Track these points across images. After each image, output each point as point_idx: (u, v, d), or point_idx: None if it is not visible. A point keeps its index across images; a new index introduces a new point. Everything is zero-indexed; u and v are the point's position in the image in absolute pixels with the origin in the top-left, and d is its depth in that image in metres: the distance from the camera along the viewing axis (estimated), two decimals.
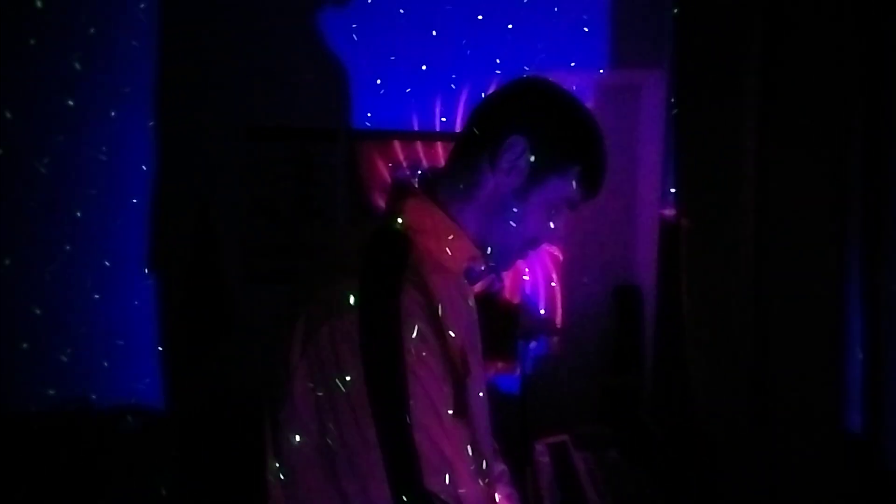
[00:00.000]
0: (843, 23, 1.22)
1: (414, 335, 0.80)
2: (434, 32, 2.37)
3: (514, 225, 0.96)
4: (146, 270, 2.39)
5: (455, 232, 0.95)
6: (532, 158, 0.94)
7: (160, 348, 2.40)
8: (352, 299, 0.81)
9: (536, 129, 0.95)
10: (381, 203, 2.35)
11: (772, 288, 1.39)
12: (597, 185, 0.99)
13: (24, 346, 2.34)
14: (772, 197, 1.40)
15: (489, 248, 0.98)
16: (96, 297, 2.37)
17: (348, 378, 0.79)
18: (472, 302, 1.03)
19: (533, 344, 2.53)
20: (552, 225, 0.98)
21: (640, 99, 2.55)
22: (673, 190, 1.80)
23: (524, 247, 1.00)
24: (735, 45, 1.58)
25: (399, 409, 0.79)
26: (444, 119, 2.43)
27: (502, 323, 2.45)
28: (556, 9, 2.36)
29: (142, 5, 2.32)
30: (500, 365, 2.43)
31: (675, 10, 1.99)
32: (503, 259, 1.01)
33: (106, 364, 2.38)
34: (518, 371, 2.41)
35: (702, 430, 1.60)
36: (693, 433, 1.61)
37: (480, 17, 2.37)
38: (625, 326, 2.42)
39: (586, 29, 2.37)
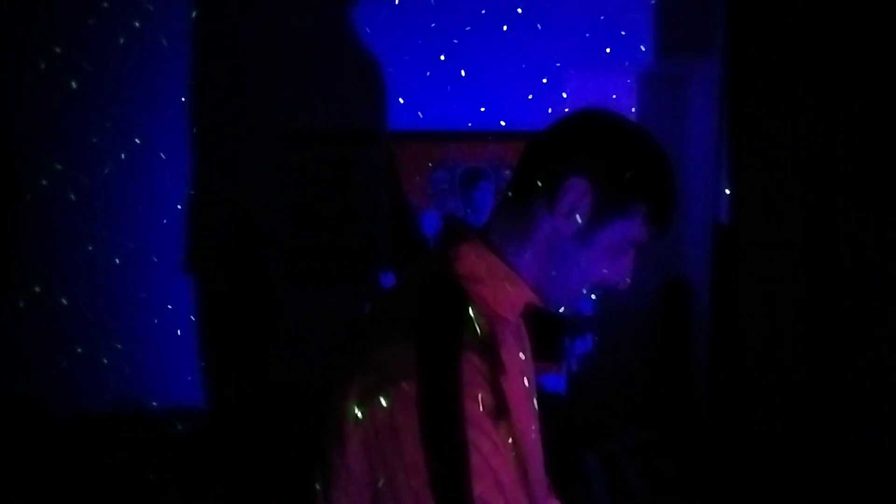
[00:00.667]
0: None
1: (476, 406, 0.76)
2: (469, 29, 2.32)
3: (574, 271, 0.89)
4: (191, 275, 2.41)
5: (511, 278, 0.90)
6: (594, 200, 0.87)
7: (207, 351, 2.43)
8: (409, 366, 0.76)
9: (598, 169, 0.87)
10: (421, 203, 2.36)
11: (839, 295, 1.33)
12: (667, 223, 0.91)
13: (77, 350, 2.40)
14: (838, 200, 1.33)
15: (548, 294, 0.92)
16: (143, 299, 2.41)
17: (406, 451, 0.75)
18: (528, 347, 0.99)
19: (579, 341, 2.49)
20: (618, 266, 0.91)
21: (687, 89, 2.46)
22: (728, 192, 1.73)
23: (588, 290, 0.93)
24: (795, 34, 1.50)
25: (461, 486, 0.75)
26: (482, 109, 2.39)
27: (547, 320, 2.41)
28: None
29: (180, 10, 2.32)
30: (545, 364, 2.40)
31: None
32: (563, 303, 0.94)
33: (153, 368, 2.42)
34: (564, 370, 2.38)
35: (758, 439, 1.54)
36: (749, 442, 1.55)
37: (520, 10, 2.32)
38: (674, 324, 2.35)
39: (630, 17, 2.30)
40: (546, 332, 2.67)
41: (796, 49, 1.50)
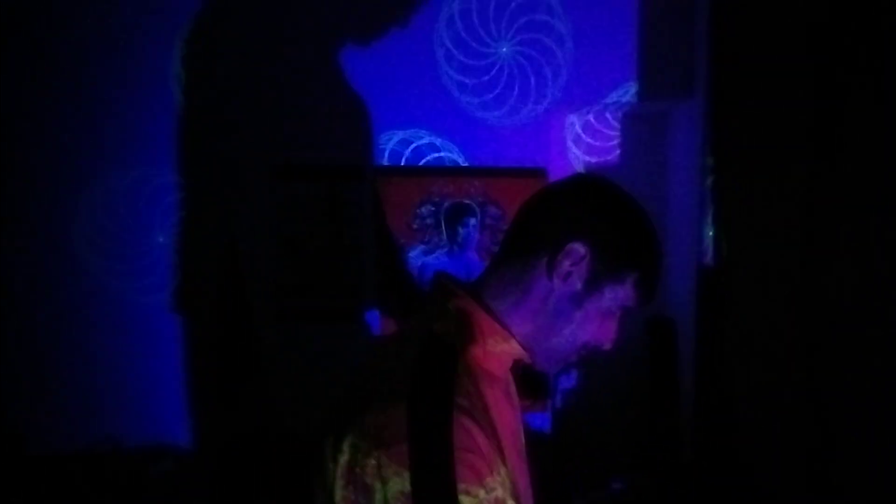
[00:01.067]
0: None
1: (466, 470, 0.77)
2: (456, 67, 2.36)
3: (566, 331, 0.93)
4: (175, 311, 2.39)
5: (503, 336, 0.92)
6: (591, 265, 0.91)
7: (190, 388, 2.40)
8: (400, 430, 0.77)
9: (597, 235, 0.91)
10: (407, 239, 2.36)
11: (825, 335, 1.34)
12: (654, 290, 0.95)
13: (54, 387, 2.36)
14: (821, 239, 1.35)
15: (538, 352, 0.95)
16: (125, 334, 2.38)
17: None
18: (516, 402, 1.00)
19: (563, 378, 2.49)
20: (605, 328, 0.94)
21: (671, 127, 2.51)
22: (710, 232, 1.75)
23: (574, 352, 0.96)
24: (779, 74, 1.52)
25: None
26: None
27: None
28: (581, 38, 2.34)
29: (167, 45, 2.33)
30: (530, 401, 2.39)
31: (711, 33, 1.91)
32: (553, 363, 0.97)
33: (136, 405, 2.38)
34: (549, 407, 2.37)
35: (747, 480, 1.54)
36: (737, 483, 1.56)
37: (505, 49, 2.36)
38: (659, 364, 2.36)
39: (613, 57, 2.34)
40: (531, 370, 2.68)
41: (779, 88, 1.53)
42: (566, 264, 0.91)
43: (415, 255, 2.41)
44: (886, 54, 1.21)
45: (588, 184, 1.01)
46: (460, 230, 2.41)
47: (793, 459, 1.45)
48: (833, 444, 1.38)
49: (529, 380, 2.39)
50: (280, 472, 2.17)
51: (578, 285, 0.91)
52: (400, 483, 0.75)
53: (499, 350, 0.92)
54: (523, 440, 1.01)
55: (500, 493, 0.80)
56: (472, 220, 2.41)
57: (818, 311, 1.40)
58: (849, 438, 1.34)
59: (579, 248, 0.90)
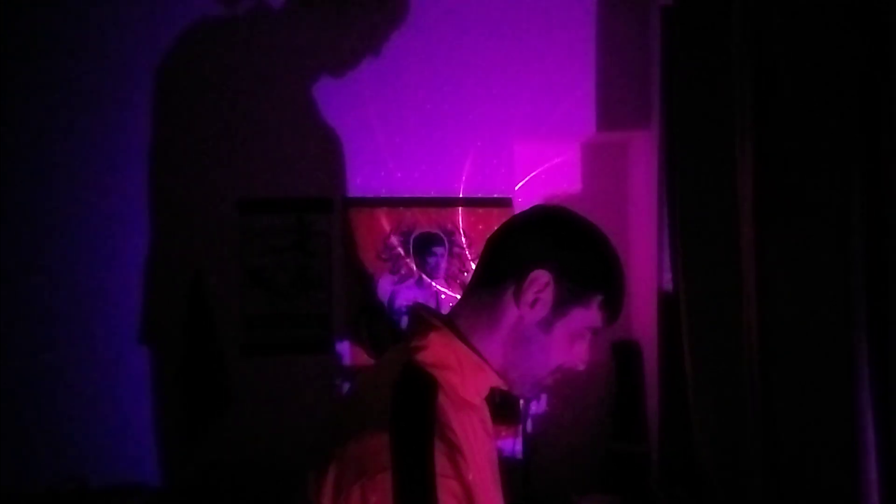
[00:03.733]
0: (842, 80, 1.23)
1: (448, 497, 0.79)
2: (422, 99, 2.41)
3: (538, 356, 0.97)
4: (141, 344, 2.37)
5: (478, 364, 0.96)
6: (556, 291, 0.95)
7: (157, 423, 2.36)
8: (383, 458, 0.80)
9: (560, 262, 0.96)
10: (376, 269, 2.38)
11: (777, 359, 1.40)
12: (618, 310, 1.00)
13: (19, 424, 2.30)
14: (772, 264, 1.42)
15: (513, 378, 0.98)
16: (91, 371, 2.35)
17: None
18: (491, 430, 1.03)
19: (533, 402, 2.52)
20: (577, 350, 0.99)
21: (629, 157, 2.59)
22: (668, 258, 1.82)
23: (548, 375, 1.00)
24: (727, 105, 1.60)
25: None
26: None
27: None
28: (538, 71, 2.42)
29: (135, 78, 2.35)
30: (502, 425, 2.42)
31: (664, 67, 2.00)
32: (527, 389, 1.01)
33: (101, 441, 2.34)
34: (519, 432, 2.40)
35: (711, 499, 1.59)
36: (704, 501, 1.60)
37: (469, 83, 2.42)
38: (625, 384, 2.41)
39: (573, 90, 2.42)
40: (503, 394, 2.70)
41: (729, 118, 1.60)
42: (532, 292, 0.95)
43: (384, 285, 2.43)
44: (819, 78, 1.29)
45: (548, 214, 1.06)
46: (429, 259, 2.45)
47: (755, 478, 1.50)
48: (793, 463, 1.43)
49: (501, 405, 2.41)
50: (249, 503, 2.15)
51: (545, 311, 0.95)
52: None
53: (476, 378, 0.96)
54: (497, 467, 1.03)
55: None
56: (440, 249, 2.45)
57: (772, 331, 1.46)
58: (803, 453, 1.39)
59: (542, 275, 0.95)
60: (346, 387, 2.38)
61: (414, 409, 0.86)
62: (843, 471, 1.22)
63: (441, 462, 0.81)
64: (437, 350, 0.94)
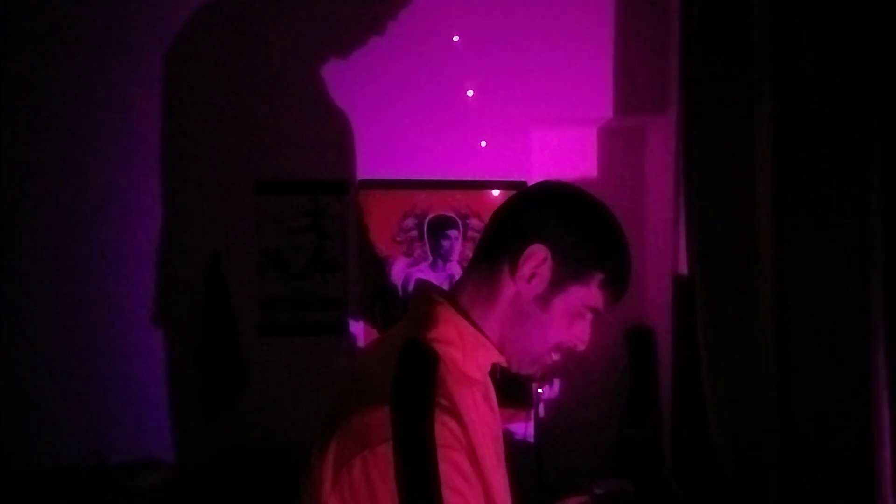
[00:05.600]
0: (866, 66, 1.21)
1: (449, 467, 0.80)
2: (439, 83, 2.40)
3: (535, 332, 0.96)
4: (159, 325, 2.40)
5: (480, 340, 0.96)
6: (554, 266, 0.94)
7: (175, 401, 2.40)
8: (384, 430, 0.80)
9: (558, 237, 0.95)
10: (390, 252, 2.39)
11: (794, 346, 1.39)
12: (620, 291, 0.99)
13: (38, 402, 2.35)
14: (789, 250, 1.40)
15: (511, 354, 0.98)
16: (110, 351, 2.38)
17: None
18: (496, 406, 1.03)
19: (545, 387, 2.52)
20: (576, 330, 0.98)
21: (646, 141, 2.57)
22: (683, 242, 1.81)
23: (547, 353, 0.99)
24: (747, 91, 1.58)
25: None
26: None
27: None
28: (555, 53, 2.40)
29: (152, 60, 2.36)
30: (514, 410, 2.43)
31: (683, 50, 1.97)
32: (526, 365, 1.00)
33: (120, 419, 2.38)
34: (532, 416, 2.41)
35: (725, 488, 1.59)
36: (717, 491, 1.60)
37: (486, 67, 2.41)
38: (639, 370, 2.41)
39: (590, 75, 2.40)
40: (514, 378, 2.71)
41: (749, 103, 1.58)
42: (529, 266, 0.94)
43: (398, 268, 2.44)
44: (840, 65, 1.27)
45: (550, 189, 1.04)
46: (443, 242, 2.45)
47: (770, 466, 1.50)
48: (808, 450, 1.42)
49: (512, 388, 2.42)
50: (264, 484, 2.18)
51: (542, 287, 0.94)
52: (385, 482, 0.78)
53: (477, 354, 0.96)
54: (502, 444, 1.04)
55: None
56: (454, 233, 2.45)
57: (789, 320, 1.45)
58: (818, 441, 1.39)
59: (540, 249, 0.94)
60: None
61: (415, 382, 0.86)
62: (858, 459, 1.22)
63: (442, 433, 0.81)
64: (439, 325, 0.94)
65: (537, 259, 0.94)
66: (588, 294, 0.96)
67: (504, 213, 1.02)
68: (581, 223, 0.97)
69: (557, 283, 0.94)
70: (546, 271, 0.94)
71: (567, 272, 0.94)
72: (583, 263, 0.95)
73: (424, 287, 1.01)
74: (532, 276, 0.94)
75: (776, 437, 1.43)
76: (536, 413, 2.40)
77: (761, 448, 1.47)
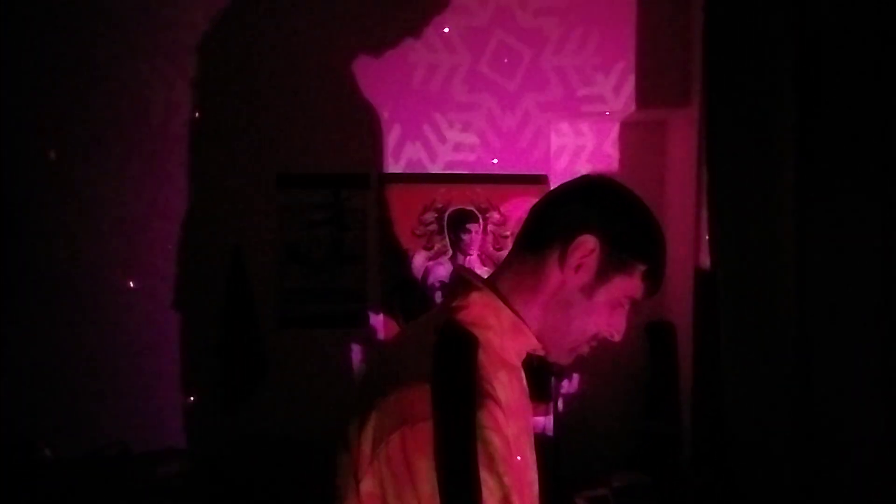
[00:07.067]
0: (889, 57, 1.20)
1: (487, 447, 0.81)
2: (460, 77, 2.40)
3: (577, 321, 0.98)
4: (181, 317, 2.42)
5: (519, 327, 0.97)
6: (601, 257, 0.96)
7: (197, 393, 2.43)
8: (424, 407, 0.82)
9: (607, 229, 0.97)
10: (410, 245, 2.40)
11: (816, 341, 1.38)
12: (659, 282, 1.01)
13: (64, 392, 2.39)
14: (812, 244, 1.39)
15: (550, 342, 1.00)
16: (131, 339, 2.41)
17: (421, 489, 0.80)
18: (527, 391, 1.05)
19: (565, 381, 2.52)
20: (614, 320, 1.00)
21: (668, 134, 2.55)
22: (707, 237, 1.79)
23: (585, 342, 1.01)
24: (770, 84, 1.57)
25: None
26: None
27: (536, 361, 2.44)
28: (577, 46, 2.39)
29: (173, 55, 2.38)
30: (534, 404, 2.42)
31: (706, 43, 1.96)
32: (565, 354, 1.02)
33: (143, 409, 2.42)
34: (552, 410, 2.40)
35: (745, 481, 1.58)
36: (735, 485, 1.59)
37: (506, 60, 2.40)
38: (659, 365, 2.40)
39: (612, 67, 2.39)
40: (535, 373, 2.70)
41: (772, 96, 1.56)
42: (577, 256, 0.96)
43: (418, 261, 2.45)
44: (864, 57, 1.26)
45: (596, 183, 1.08)
46: (463, 236, 2.45)
47: (787, 461, 1.48)
48: (826, 446, 1.41)
49: (532, 382, 2.42)
50: (283, 475, 2.20)
51: (588, 277, 0.97)
52: (423, 459, 0.79)
53: (515, 340, 0.97)
54: (532, 431, 1.05)
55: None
56: (474, 226, 2.45)
57: (812, 314, 1.44)
58: (842, 440, 1.37)
59: (589, 240, 0.96)
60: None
61: (456, 363, 0.87)
62: (879, 458, 1.21)
63: (482, 414, 0.82)
64: (478, 310, 0.96)
65: (585, 249, 0.96)
66: (630, 285, 0.98)
67: (548, 206, 1.04)
68: (627, 216, 1.00)
69: (603, 274, 0.97)
70: (593, 262, 0.96)
71: (612, 263, 0.97)
72: (628, 255, 0.97)
73: (464, 273, 1.03)
74: (579, 266, 0.96)
75: (796, 432, 1.42)
76: (556, 407, 2.40)
77: (781, 443, 1.46)
